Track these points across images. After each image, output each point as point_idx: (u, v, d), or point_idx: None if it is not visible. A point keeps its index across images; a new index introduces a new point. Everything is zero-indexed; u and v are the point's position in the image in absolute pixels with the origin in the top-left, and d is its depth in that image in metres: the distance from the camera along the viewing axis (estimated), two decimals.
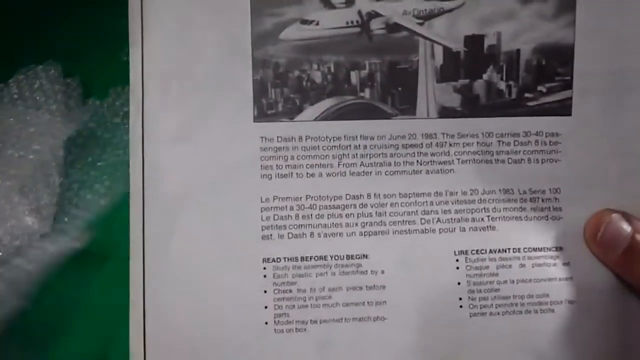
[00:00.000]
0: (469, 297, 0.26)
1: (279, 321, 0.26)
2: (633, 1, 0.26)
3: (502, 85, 0.27)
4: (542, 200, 0.27)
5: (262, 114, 0.26)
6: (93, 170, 0.28)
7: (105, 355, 0.28)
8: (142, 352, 0.25)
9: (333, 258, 0.26)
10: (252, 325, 0.25)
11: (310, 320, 0.26)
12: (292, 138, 0.26)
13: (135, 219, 0.26)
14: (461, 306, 0.26)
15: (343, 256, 0.26)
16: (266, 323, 0.26)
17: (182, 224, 0.26)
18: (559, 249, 0.26)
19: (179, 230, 0.26)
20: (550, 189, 0.27)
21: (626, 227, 0.25)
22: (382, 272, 0.26)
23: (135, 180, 0.26)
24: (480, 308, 0.26)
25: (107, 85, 0.29)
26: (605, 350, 0.25)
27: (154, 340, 0.25)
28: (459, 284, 0.26)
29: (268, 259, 0.26)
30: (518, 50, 0.27)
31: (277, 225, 0.26)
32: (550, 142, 0.27)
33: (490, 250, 0.26)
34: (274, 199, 0.26)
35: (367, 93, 0.27)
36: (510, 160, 0.27)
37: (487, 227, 0.26)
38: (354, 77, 0.27)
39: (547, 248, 0.26)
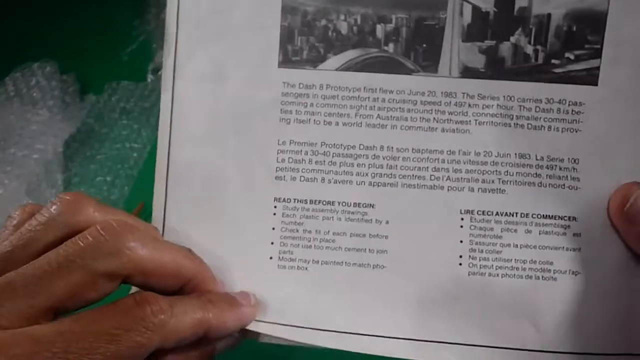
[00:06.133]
0: (470, 256, 0.26)
1: (282, 257, 0.27)
2: None
3: (529, 50, 0.27)
4: (560, 169, 0.26)
5: (287, 60, 0.27)
6: (92, 164, 0.30)
7: None
8: None
9: (340, 204, 0.27)
10: (257, 258, 0.27)
11: (312, 260, 0.27)
12: (313, 85, 0.27)
13: (162, 149, 0.28)
14: (460, 264, 0.26)
15: (350, 203, 0.27)
16: (270, 258, 0.27)
17: (204, 158, 0.27)
18: (572, 218, 0.26)
19: (201, 163, 0.27)
20: (569, 159, 0.26)
21: None
22: (387, 222, 0.27)
23: (164, 114, 0.27)
24: (480, 268, 0.26)
25: (103, 81, 0.31)
26: (605, 323, 0.25)
27: None
28: (461, 242, 0.26)
29: (279, 198, 0.27)
30: (549, 15, 0.26)
31: (291, 168, 0.27)
32: (572, 111, 0.26)
33: (497, 212, 0.26)
34: (290, 142, 0.27)
35: (390, 47, 0.27)
36: (529, 126, 0.26)
37: (497, 189, 0.26)
38: (380, 30, 0.27)
39: (559, 217, 0.26)
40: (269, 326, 0.26)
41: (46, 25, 0.29)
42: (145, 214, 0.37)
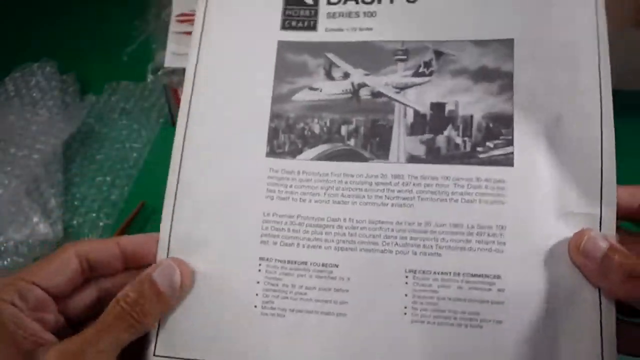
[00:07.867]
0: (412, 307, 0.32)
1: (265, 306, 0.34)
2: (560, 83, 0.33)
3: (459, 140, 0.34)
4: (488, 235, 0.32)
5: (273, 152, 0.36)
6: (93, 164, 0.30)
7: None
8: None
9: (311, 264, 0.34)
10: (244, 307, 0.34)
11: (289, 309, 0.33)
12: (293, 172, 0.35)
13: (166, 217, 0.35)
14: (405, 313, 0.32)
15: (319, 263, 0.34)
16: (255, 306, 0.34)
17: (204, 225, 0.35)
18: (497, 277, 0.31)
19: (201, 229, 0.35)
20: (496, 226, 0.32)
21: (602, 243, 0.30)
22: (348, 279, 0.33)
23: (170, 184, 0.36)
24: (420, 317, 0.31)
25: (103, 81, 0.32)
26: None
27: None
28: (405, 295, 0.32)
29: (264, 258, 0.34)
30: (472, 115, 0.34)
31: (273, 234, 0.35)
32: (497, 187, 0.33)
33: (434, 272, 0.32)
34: (273, 214, 0.35)
35: (352, 142, 0.35)
36: (463, 200, 0.33)
37: (434, 253, 0.32)
38: (344, 129, 0.35)
39: (486, 275, 0.32)
40: None
41: (46, 25, 0.30)
42: (145, 213, 0.37)
